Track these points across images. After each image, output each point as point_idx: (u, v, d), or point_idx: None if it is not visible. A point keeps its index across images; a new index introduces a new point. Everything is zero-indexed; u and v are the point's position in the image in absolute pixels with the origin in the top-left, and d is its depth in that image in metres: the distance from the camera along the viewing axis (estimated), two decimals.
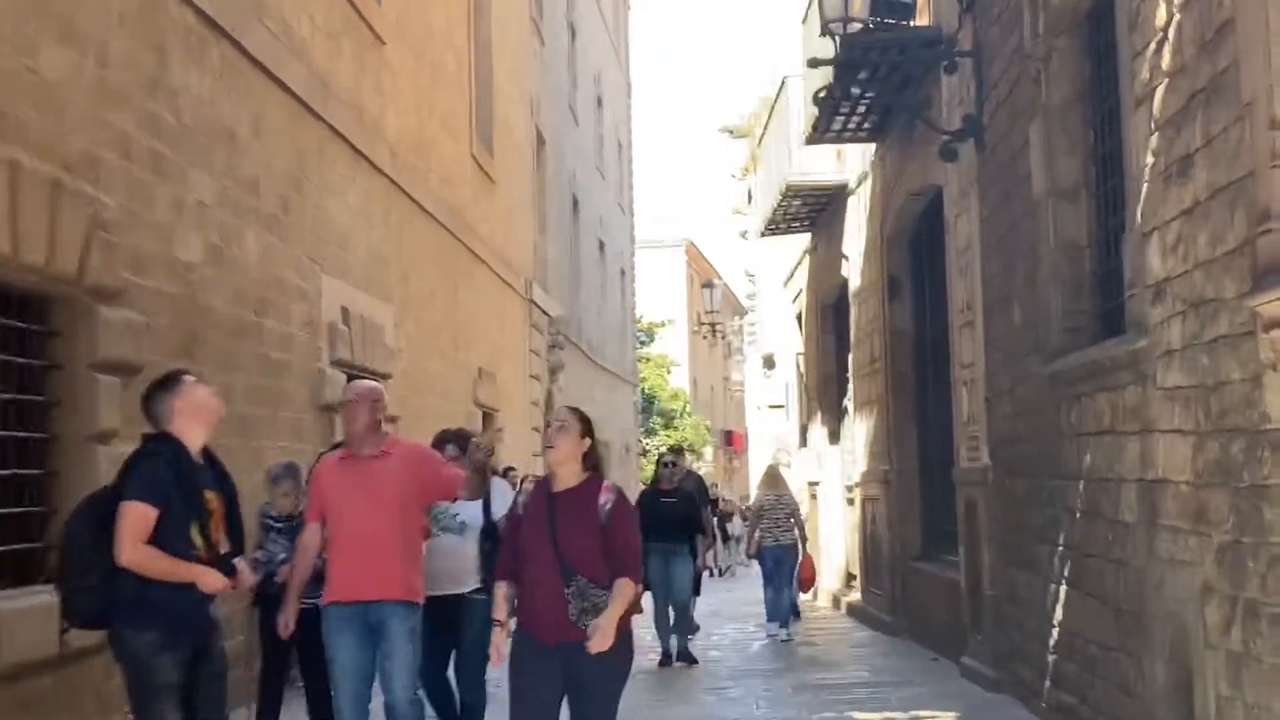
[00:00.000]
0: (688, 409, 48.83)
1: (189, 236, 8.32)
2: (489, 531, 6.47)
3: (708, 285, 36.69)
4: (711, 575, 23.12)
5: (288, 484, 7.11)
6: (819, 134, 12.45)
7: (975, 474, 9.33)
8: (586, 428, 4.88)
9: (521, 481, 16.02)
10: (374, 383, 6.46)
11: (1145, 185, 5.69)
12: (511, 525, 4.98)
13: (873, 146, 12.94)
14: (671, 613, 11.09)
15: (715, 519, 21.84)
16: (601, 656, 4.60)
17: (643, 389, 43.62)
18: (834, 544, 16.54)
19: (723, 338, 39.20)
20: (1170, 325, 5.43)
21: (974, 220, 9.25)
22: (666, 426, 46.86)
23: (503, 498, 6.54)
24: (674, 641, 11.04)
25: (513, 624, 4.99)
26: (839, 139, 12.76)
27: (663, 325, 45.97)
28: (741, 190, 28.23)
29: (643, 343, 43.57)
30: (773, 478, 13.50)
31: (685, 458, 13.12)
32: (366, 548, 5.70)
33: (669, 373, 48.92)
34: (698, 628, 12.22)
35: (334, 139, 11.43)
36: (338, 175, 11.57)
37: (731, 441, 54.27)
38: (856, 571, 15.01)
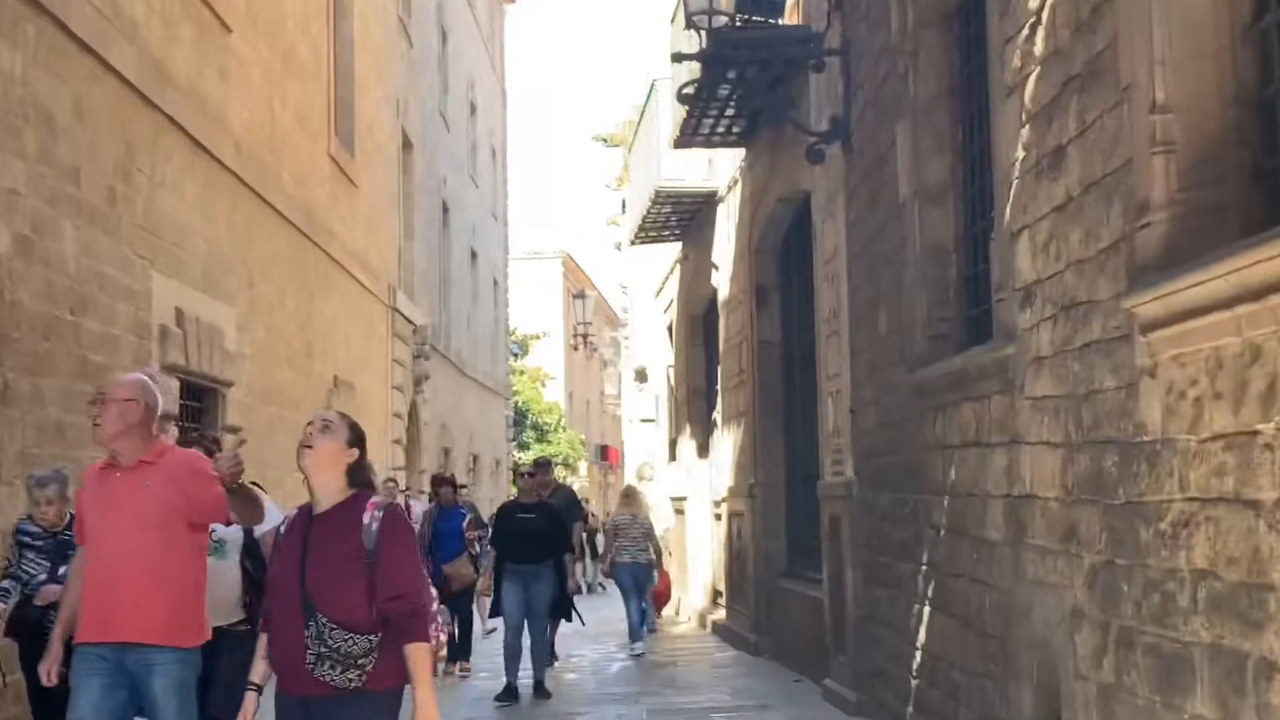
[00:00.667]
0: (563, 423, 48.30)
1: None
2: (251, 549, 5.80)
3: (579, 296, 36.23)
4: (579, 592, 22.44)
5: (52, 490, 6.27)
6: (686, 136, 12.06)
7: (839, 488, 8.96)
8: (356, 436, 4.07)
9: (401, 493, 15.09)
10: (138, 376, 5.43)
11: (1015, 181, 5.33)
12: (272, 554, 4.17)
13: (742, 152, 12.58)
14: (526, 641, 10.03)
15: (585, 535, 21.31)
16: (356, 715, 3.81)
17: (516, 402, 43.01)
18: (701, 561, 16.14)
19: (594, 350, 38.73)
20: (1040, 331, 5.07)
21: (841, 225, 8.90)
22: (540, 440, 46.27)
23: (271, 515, 5.50)
24: (520, 674, 9.92)
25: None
26: (708, 143, 12.39)
27: (537, 338, 45.40)
28: (616, 201, 27.85)
29: (516, 355, 42.94)
30: (629, 497, 13.47)
31: (552, 470, 12.52)
32: (116, 576, 4.73)
33: (544, 386, 48.35)
34: (555, 659, 11.68)
35: (171, 129, 10.70)
36: (174, 168, 10.84)
37: (607, 456, 53.87)
38: (723, 589, 14.61)
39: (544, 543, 10.00)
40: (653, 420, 21.95)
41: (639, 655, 12.70)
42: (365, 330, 18.45)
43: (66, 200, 8.64)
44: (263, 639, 4.03)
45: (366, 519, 3.88)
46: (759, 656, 11.97)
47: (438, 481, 12.67)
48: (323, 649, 3.75)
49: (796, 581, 11.37)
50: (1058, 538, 4.89)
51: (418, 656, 3.79)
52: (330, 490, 3.97)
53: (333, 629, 3.74)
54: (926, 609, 6.93)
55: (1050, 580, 4.96)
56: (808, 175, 9.78)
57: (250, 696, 4.01)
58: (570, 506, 12.33)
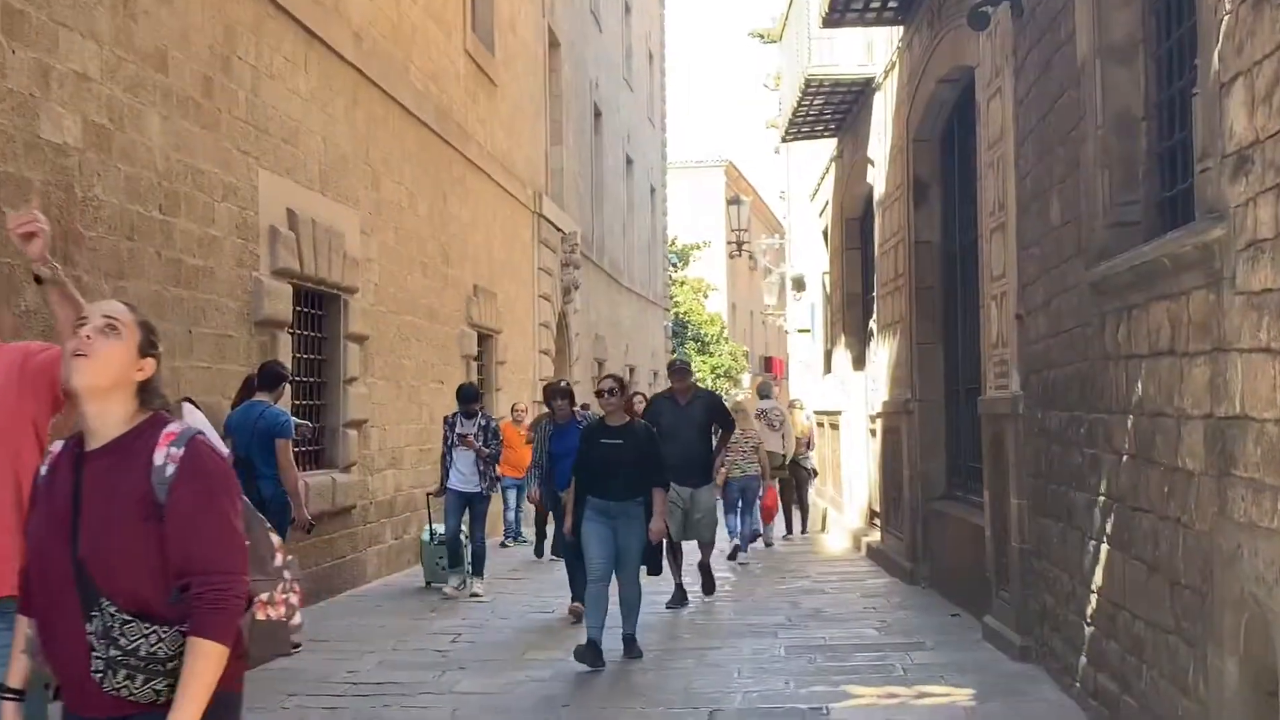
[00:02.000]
0: (724, 334, 47.36)
1: (60, 114, 6.95)
2: None
3: (734, 202, 34.95)
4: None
5: None
6: (837, 13, 10.90)
7: (1003, 405, 7.88)
8: (149, 340, 2.79)
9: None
10: None
11: (1225, 16, 4.18)
12: (30, 510, 2.84)
13: (899, 31, 11.35)
14: (616, 593, 8.17)
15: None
16: None
17: (676, 313, 42.20)
18: (857, 480, 15.13)
19: (749, 257, 37.50)
20: (1258, 206, 3.95)
21: (1008, 102, 7.72)
22: (702, 352, 45.48)
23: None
24: (600, 632, 7.92)
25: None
26: (861, 19, 11.20)
27: (697, 248, 44.33)
28: (775, 102, 26.52)
29: (676, 265, 42.02)
30: (738, 411, 12.84)
31: (690, 374, 10.87)
32: None
33: (705, 297, 47.40)
34: (712, 589, 10.86)
35: (277, 14, 9.99)
36: (282, 58, 10.14)
37: (771, 368, 52.79)
38: (879, 510, 13.61)
39: (633, 475, 8.08)
40: (808, 331, 20.87)
41: (744, 565, 12.93)
42: (508, 237, 17.74)
43: (151, 88, 7.98)
44: (22, 623, 2.81)
45: (159, 458, 2.63)
46: (914, 585, 10.99)
47: (551, 393, 10.43)
48: (114, 651, 2.55)
49: (956, 506, 10.33)
50: (1276, 470, 3.82)
51: (198, 660, 2.54)
52: (112, 418, 2.70)
53: (126, 621, 2.55)
54: (1104, 547, 5.88)
55: (1265, 523, 3.90)
56: (971, 48, 8.60)
57: (6, 709, 2.84)
58: (717, 413, 10.79)
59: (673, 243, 40.54)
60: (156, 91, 8.04)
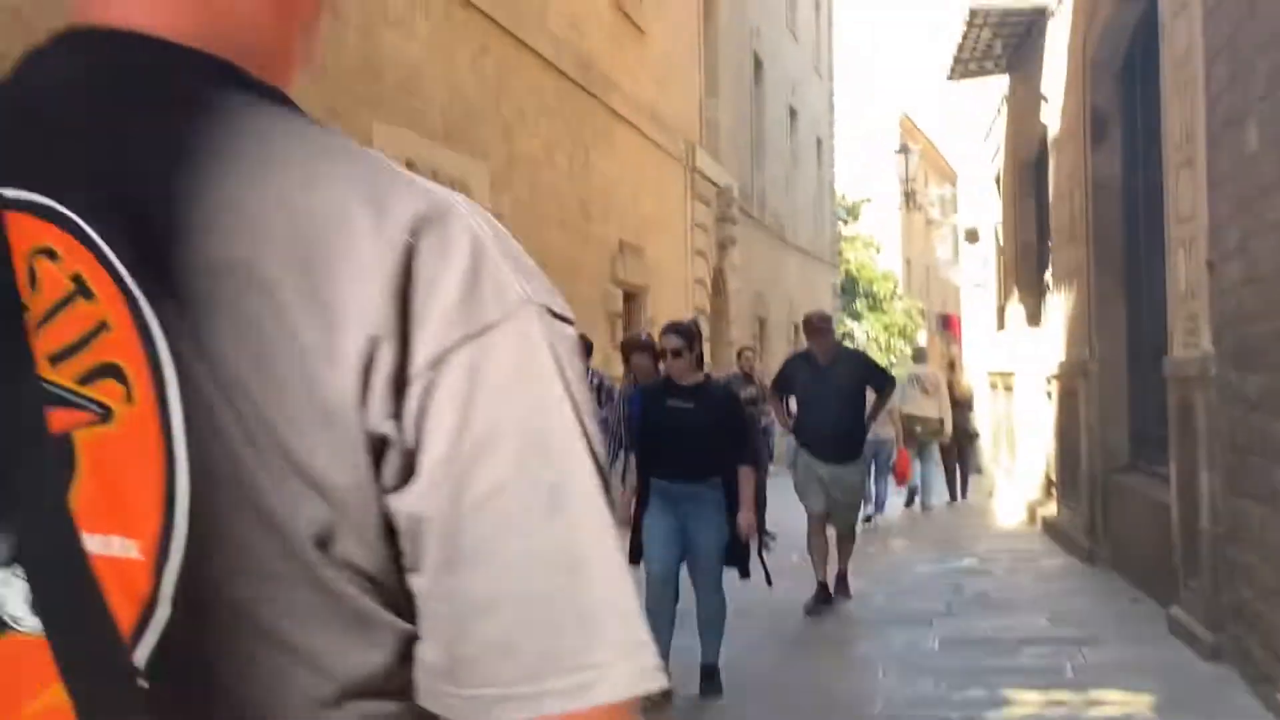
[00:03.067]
0: (897, 291, 45.94)
1: None
2: None
3: (903, 150, 33.56)
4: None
5: None
6: None
7: (1192, 366, 6.84)
8: None
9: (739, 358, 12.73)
10: None
11: None
12: None
13: None
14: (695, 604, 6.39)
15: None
16: None
17: (846, 269, 40.98)
18: (1031, 446, 14.02)
19: (918, 209, 36.08)
20: None
21: (1196, 15, 6.64)
22: (874, 309, 44.22)
23: None
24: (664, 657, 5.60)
25: None
26: None
27: (868, 201, 42.92)
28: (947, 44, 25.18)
29: (845, 220, 40.75)
30: None
31: (831, 332, 9.05)
32: None
33: (878, 252, 45.99)
34: (847, 594, 8.94)
35: None
36: (398, 2, 9.54)
37: (949, 326, 51.04)
38: (1055, 480, 12.52)
39: (706, 448, 6.29)
40: (981, 285, 19.67)
41: (867, 521, 12.36)
42: (658, 191, 16.99)
43: None
44: None
45: None
46: (1092, 566, 9.95)
47: (631, 346, 8.41)
48: None
49: (1139, 479, 9.26)
50: None
51: None
52: None
53: None
54: None
55: None
56: None
57: None
58: (867, 372, 8.90)
59: (842, 198, 39.28)
60: None
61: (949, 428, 14.54)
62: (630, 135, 15.59)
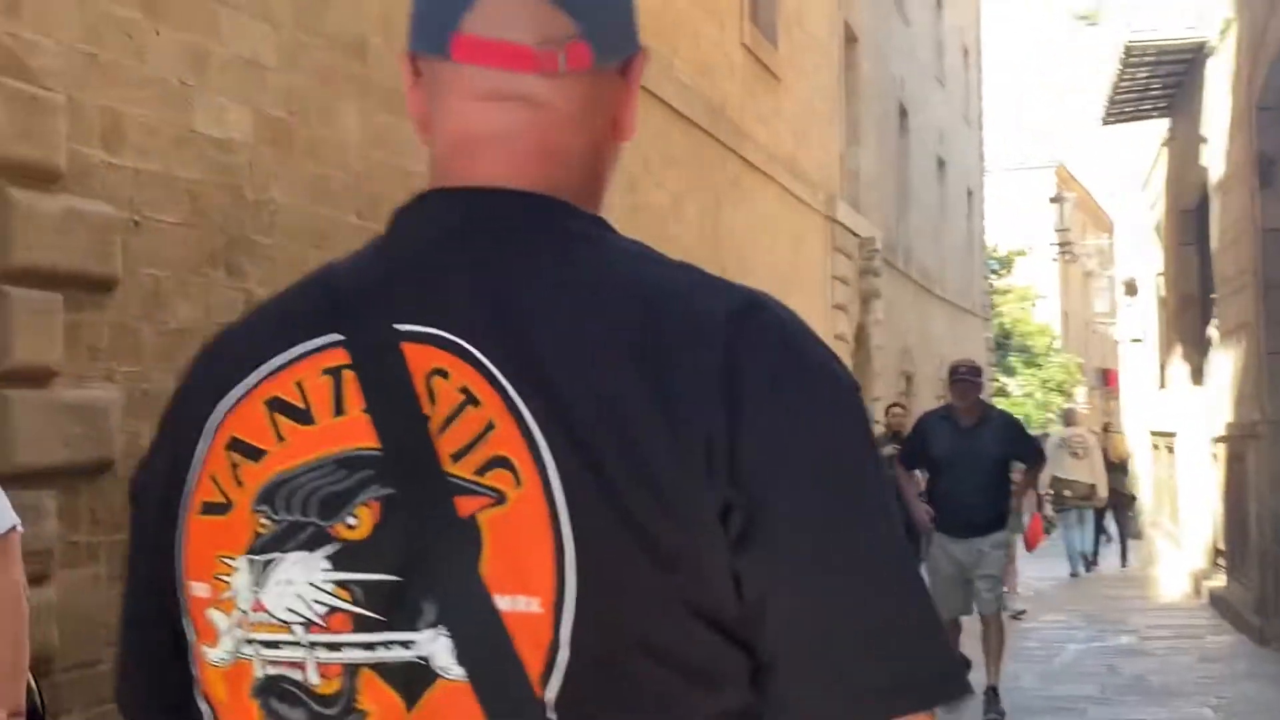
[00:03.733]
0: (1054, 345, 44.46)
1: (222, 106, 6.15)
2: None
3: (1056, 200, 32.45)
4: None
5: None
6: None
7: None
8: None
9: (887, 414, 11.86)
10: None
11: None
12: None
13: None
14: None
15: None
16: None
17: (1000, 323, 39.77)
18: (1195, 512, 13.05)
19: (1072, 260, 34.82)
20: None
21: None
22: (1029, 365, 42.87)
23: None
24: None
25: None
26: None
27: (1021, 254, 41.68)
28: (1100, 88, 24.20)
29: (996, 272, 39.60)
30: None
31: (979, 387, 8.08)
32: None
33: (1033, 305, 44.61)
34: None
35: None
36: None
37: (1108, 381, 49.24)
38: (1223, 549, 11.58)
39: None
40: (1140, 341, 18.65)
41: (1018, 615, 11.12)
42: (795, 243, 16.44)
43: (344, 78, 7.13)
44: None
45: None
46: (1264, 647, 9.06)
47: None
48: None
49: None
50: None
51: None
52: None
53: None
54: None
55: None
56: None
57: None
58: (1016, 441, 7.96)
59: (994, 249, 38.14)
60: (352, 83, 7.20)
61: (1102, 492, 13.66)
62: (765, 185, 15.11)
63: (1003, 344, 39.62)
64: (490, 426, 0.93)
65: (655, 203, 11.75)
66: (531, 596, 0.92)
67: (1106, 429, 15.51)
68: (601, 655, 0.92)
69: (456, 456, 0.93)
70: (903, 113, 24.45)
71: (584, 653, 0.92)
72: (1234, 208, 10.18)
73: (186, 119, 5.89)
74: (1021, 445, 8.07)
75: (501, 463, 0.93)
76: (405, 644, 0.93)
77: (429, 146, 1.14)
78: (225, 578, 0.98)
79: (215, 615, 0.98)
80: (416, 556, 0.93)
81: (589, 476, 0.92)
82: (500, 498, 0.92)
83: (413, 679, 0.93)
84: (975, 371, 7.99)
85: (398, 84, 5.56)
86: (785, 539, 0.92)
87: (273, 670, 0.96)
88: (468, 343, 0.96)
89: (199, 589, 0.99)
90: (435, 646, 0.92)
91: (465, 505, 0.93)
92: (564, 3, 1.08)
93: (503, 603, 0.92)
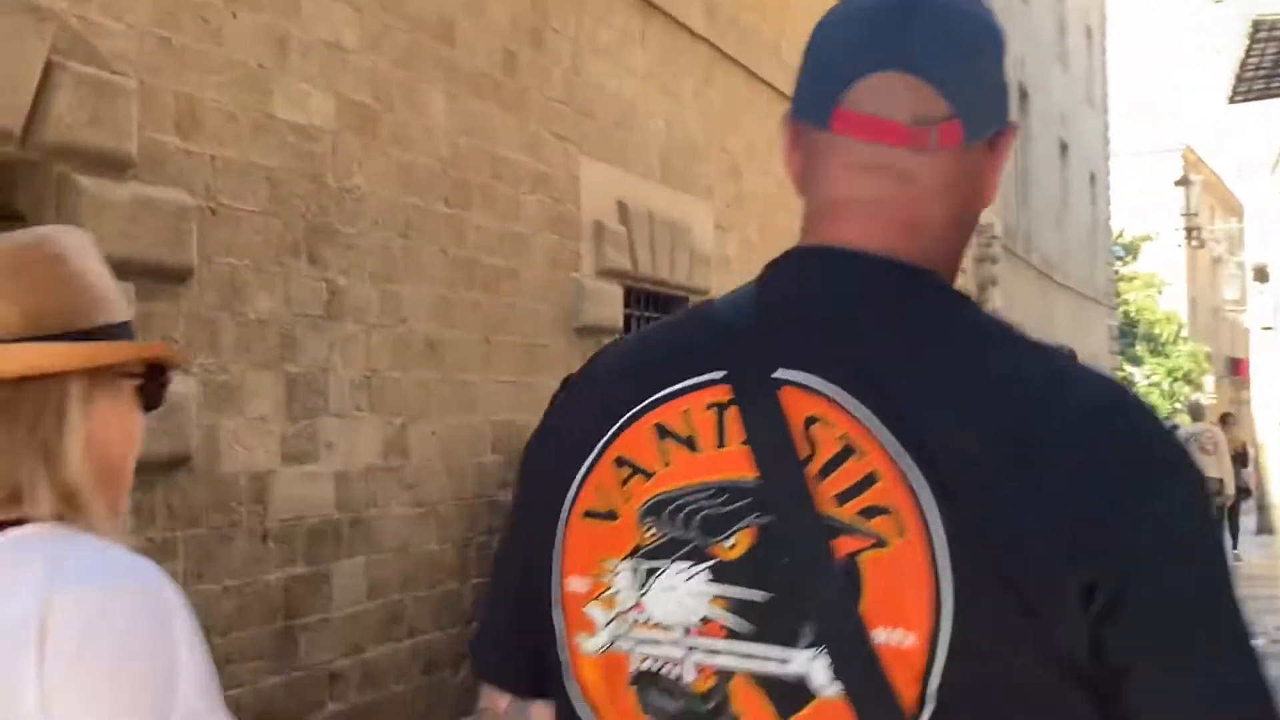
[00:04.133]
0: (1181, 333, 43.11)
1: (303, 91, 6.01)
2: None
3: (1184, 183, 31.31)
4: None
5: None
6: None
7: None
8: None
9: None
10: None
11: None
12: None
13: None
14: None
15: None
16: None
17: (1125, 311, 38.67)
18: None
19: (1199, 245, 33.64)
20: None
21: None
22: (1155, 354, 41.64)
23: None
24: None
25: None
26: None
27: (1148, 239, 40.47)
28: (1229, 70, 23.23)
29: (1122, 259, 38.47)
30: None
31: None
32: None
33: (1159, 293, 43.32)
34: None
35: None
36: (612, 31, 9.00)
37: (1238, 370, 47.56)
38: None
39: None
40: (1271, 328, 17.86)
41: None
42: None
43: (430, 61, 6.96)
44: None
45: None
46: None
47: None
48: None
49: None
50: None
51: None
52: None
53: None
54: None
55: None
56: None
57: None
58: None
59: (1119, 235, 37.04)
60: (438, 67, 7.03)
61: (1230, 488, 13.08)
62: None
63: (1128, 332, 38.54)
64: (871, 477, 1.04)
65: (760, 190, 11.45)
66: (909, 631, 1.02)
67: (1224, 420, 14.86)
68: (968, 688, 1.02)
69: (841, 499, 1.04)
70: (1023, 95, 23.74)
71: (953, 686, 1.01)
72: None
73: (265, 104, 5.77)
74: None
75: (883, 511, 1.03)
76: (781, 660, 1.05)
77: (804, 203, 1.27)
78: (606, 578, 1.12)
79: (594, 610, 1.12)
80: (791, 582, 1.05)
81: (965, 532, 1.02)
82: (882, 541, 1.03)
83: (786, 693, 1.04)
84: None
85: (486, 68, 5.28)
86: (1149, 619, 1.02)
87: (651, 665, 1.09)
88: (841, 394, 1.07)
89: (577, 584, 1.14)
90: (813, 666, 1.03)
91: (845, 544, 1.04)
92: (941, 84, 1.15)
93: (879, 635, 1.02)
